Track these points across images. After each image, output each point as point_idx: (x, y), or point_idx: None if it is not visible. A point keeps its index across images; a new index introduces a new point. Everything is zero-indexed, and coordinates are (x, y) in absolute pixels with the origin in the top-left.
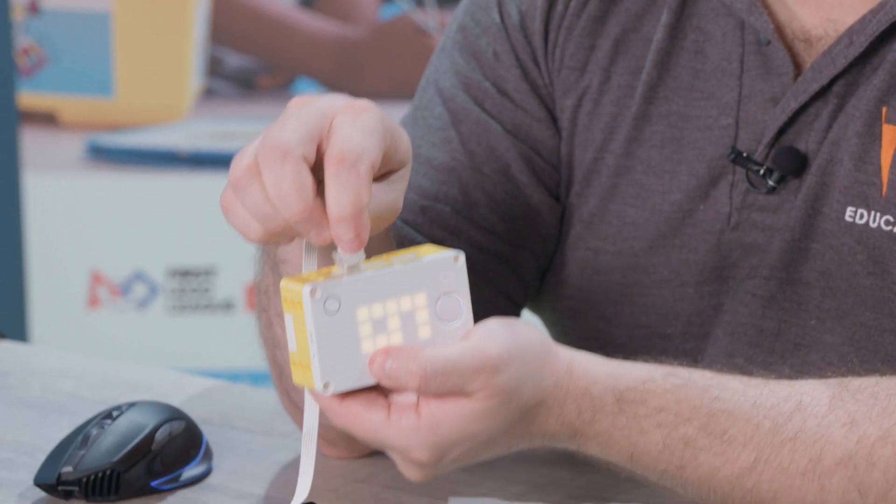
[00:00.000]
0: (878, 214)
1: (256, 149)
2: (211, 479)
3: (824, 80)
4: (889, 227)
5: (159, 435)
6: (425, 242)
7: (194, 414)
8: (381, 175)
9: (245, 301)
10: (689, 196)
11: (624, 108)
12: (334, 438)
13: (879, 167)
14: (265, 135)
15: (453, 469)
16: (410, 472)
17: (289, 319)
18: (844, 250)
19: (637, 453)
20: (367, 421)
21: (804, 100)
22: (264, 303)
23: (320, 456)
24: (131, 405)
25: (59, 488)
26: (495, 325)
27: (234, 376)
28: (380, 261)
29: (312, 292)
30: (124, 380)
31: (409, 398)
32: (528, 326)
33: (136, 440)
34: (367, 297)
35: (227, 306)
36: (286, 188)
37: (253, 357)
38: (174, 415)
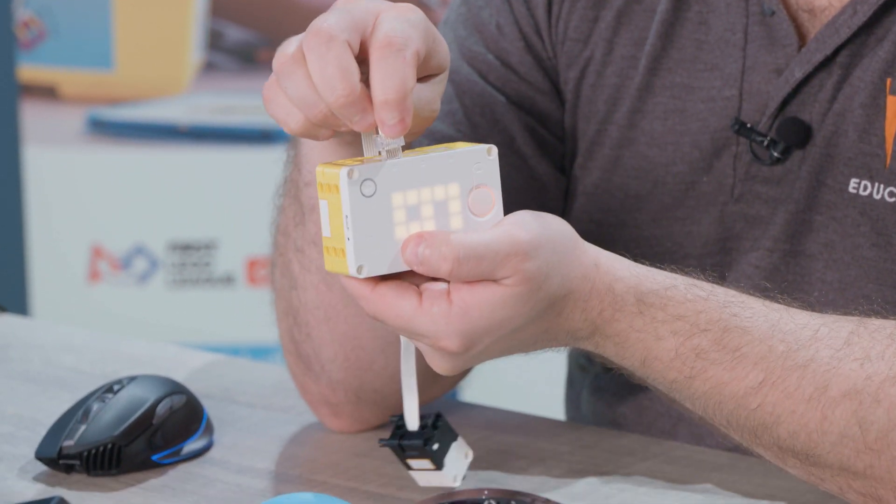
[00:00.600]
0: (882, 186)
1: (301, 38)
2: (212, 454)
3: (828, 51)
4: (893, 199)
5: (160, 409)
6: None
7: (195, 388)
8: (420, 78)
9: (245, 275)
10: (693, 167)
11: (627, 80)
12: (340, 406)
13: (883, 138)
14: (311, 25)
15: (479, 362)
16: (439, 364)
17: (323, 206)
18: (848, 222)
19: (649, 358)
20: (398, 307)
21: (808, 70)
22: (282, 245)
23: (322, 430)
24: (132, 379)
25: (61, 462)
26: (526, 215)
27: (235, 350)
28: (415, 151)
29: (350, 174)
30: (125, 354)
31: (440, 286)
32: (558, 219)
33: (137, 414)
34: (402, 182)
35: (228, 280)
36: (331, 72)
37: (254, 331)
38: (175, 389)
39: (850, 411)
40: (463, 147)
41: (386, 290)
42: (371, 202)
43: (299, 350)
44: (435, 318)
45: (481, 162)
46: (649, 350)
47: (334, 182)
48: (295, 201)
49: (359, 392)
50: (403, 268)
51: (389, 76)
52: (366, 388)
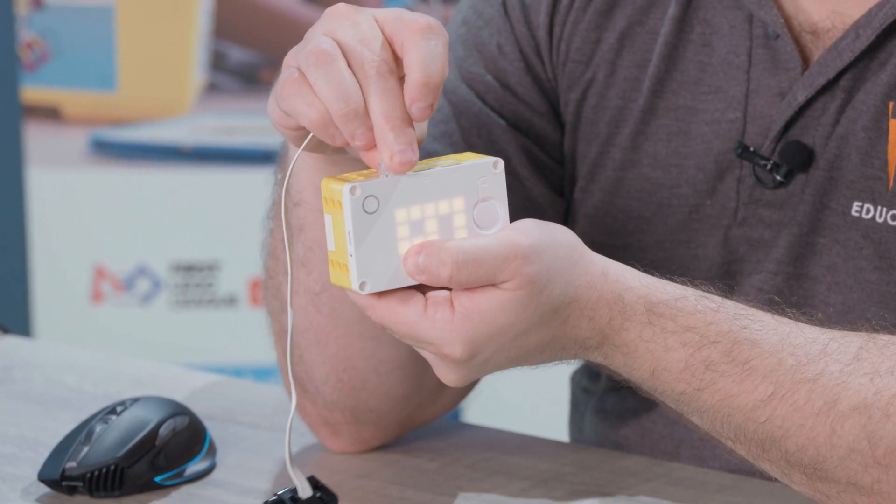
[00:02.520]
0: (885, 209)
1: (324, 36)
2: (215, 475)
3: (830, 74)
4: (895, 223)
5: (163, 430)
6: None
7: (198, 409)
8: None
9: (248, 296)
10: (696, 190)
11: (630, 102)
12: (339, 426)
13: (886, 162)
14: (330, 35)
15: (487, 373)
16: (445, 374)
17: (328, 220)
18: (850, 245)
19: (659, 370)
20: (403, 315)
21: (810, 94)
22: (272, 268)
23: (324, 452)
24: (135, 400)
25: (63, 483)
26: (529, 223)
27: (238, 371)
28: (421, 164)
29: (352, 190)
30: (128, 374)
31: (444, 293)
32: (564, 228)
33: (140, 435)
34: (405, 198)
35: (231, 301)
36: (368, 61)
37: (256, 352)
38: (178, 410)
39: (860, 426)
40: (469, 160)
41: (390, 299)
42: (374, 218)
43: (293, 372)
44: (438, 325)
45: (487, 175)
46: (658, 361)
47: (338, 198)
48: (283, 223)
49: (355, 412)
50: (407, 282)
51: (432, 59)
52: (361, 408)
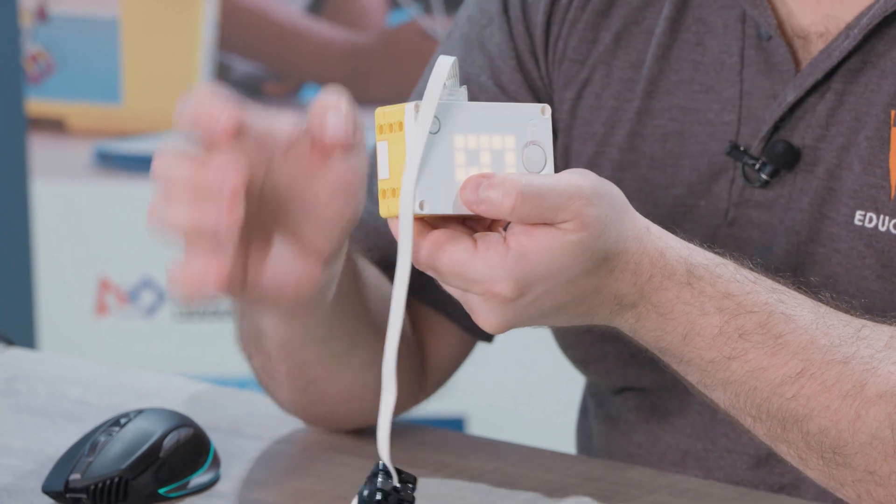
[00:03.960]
0: (888, 218)
1: None
2: (219, 487)
3: (819, 75)
4: None
5: (167, 442)
6: None
7: (202, 421)
8: None
9: None
10: (691, 191)
11: (625, 103)
12: (322, 413)
13: (888, 170)
14: None
15: (528, 320)
16: (487, 316)
17: (382, 147)
18: (853, 254)
19: (691, 334)
20: (453, 251)
21: (800, 94)
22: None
23: (329, 463)
24: (139, 412)
25: (68, 496)
26: (584, 170)
27: (242, 383)
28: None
29: (417, 107)
30: (132, 386)
31: (496, 234)
32: (611, 183)
33: (144, 447)
34: (464, 125)
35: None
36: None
37: None
38: (182, 422)
39: (885, 413)
40: (519, 104)
41: (440, 234)
42: (434, 140)
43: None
44: (490, 262)
45: (535, 119)
46: (693, 324)
47: (398, 119)
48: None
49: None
50: (463, 210)
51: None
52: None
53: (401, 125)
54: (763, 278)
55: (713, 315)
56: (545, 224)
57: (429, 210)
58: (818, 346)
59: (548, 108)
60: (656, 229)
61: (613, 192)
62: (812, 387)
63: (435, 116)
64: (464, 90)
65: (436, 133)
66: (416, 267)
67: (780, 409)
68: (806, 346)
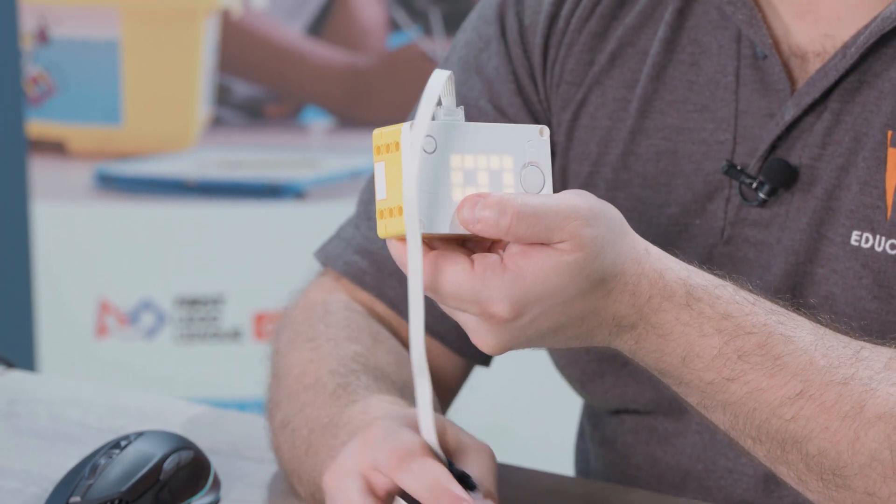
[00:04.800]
0: (884, 238)
1: None
2: None
3: (817, 94)
4: (894, 251)
5: (167, 465)
6: None
7: (202, 443)
8: None
9: (253, 330)
10: (686, 210)
11: (619, 122)
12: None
13: (884, 191)
14: None
15: (526, 340)
16: (485, 338)
17: (379, 167)
18: (850, 275)
19: (690, 355)
20: (449, 273)
21: (797, 113)
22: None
23: None
24: (139, 435)
25: None
26: (582, 191)
27: (242, 405)
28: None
29: (412, 127)
30: (132, 409)
31: (493, 255)
32: (609, 204)
33: (145, 470)
34: (460, 145)
35: (235, 335)
36: None
37: (261, 386)
38: (182, 444)
39: (884, 435)
40: (517, 124)
41: (437, 254)
42: (431, 160)
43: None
44: (487, 282)
45: (533, 140)
46: (692, 346)
47: (394, 139)
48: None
49: None
50: (460, 230)
51: None
52: None
53: (397, 145)
54: (762, 300)
55: (712, 336)
56: (542, 244)
57: (426, 230)
58: (817, 368)
59: (546, 130)
60: (656, 251)
61: (612, 214)
62: (811, 408)
63: (432, 137)
64: (461, 111)
65: (432, 153)
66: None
67: (780, 430)
68: (805, 368)
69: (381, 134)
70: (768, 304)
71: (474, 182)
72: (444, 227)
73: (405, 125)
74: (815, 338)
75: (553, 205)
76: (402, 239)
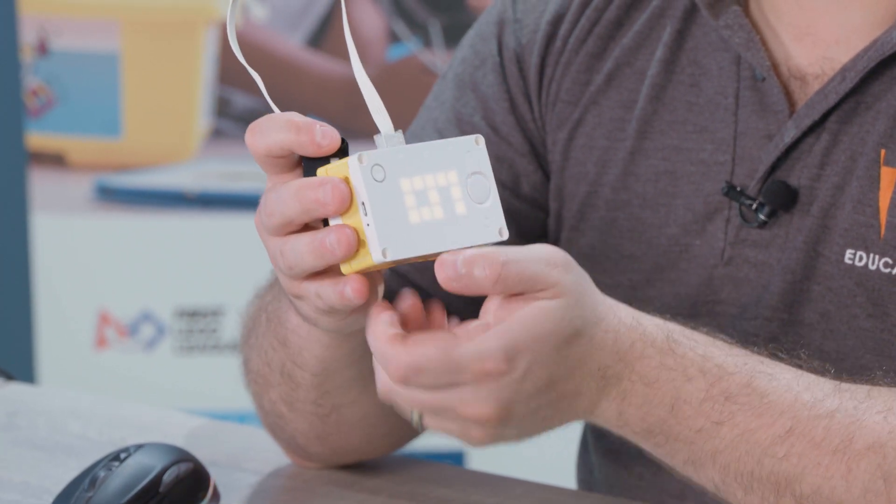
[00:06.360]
0: (877, 257)
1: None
2: None
3: (816, 116)
4: (888, 270)
5: (167, 477)
6: (409, 284)
7: (202, 455)
8: None
9: None
10: (686, 230)
11: (617, 142)
12: (335, 443)
13: (878, 209)
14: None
15: (528, 396)
16: (483, 403)
17: None
18: (844, 293)
19: (678, 403)
20: (435, 345)
21: (796, 135)
22: (258, 368)
23: (330, 498)
24: (139, 447)
25: None
26: (546, 244)
27: (242, 418)
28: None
29: (360, 159)
30: (132, 420)
31: (475, 321)
32: None
33: (144, 482)
34: (407, 168)
35: (235, 347)
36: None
37: None
38: (182, 457)
39: (875, 465)
40: (453, 138)
41: (417, 336)
42: (383, 187)
43: (267, 424)
44: (476, 340)
45: (472, 150)
46: (679, 391)
47: (343, 173)
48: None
49: (336, 458)
50: (425, 251)
51: None
52: (343, 457)
53: (348, 179)
54: (736, 345)
55: (698, 379)
56: (520, 295)
57: (392, 256)
58: (803, 403)
59: (481, 138)
60: (623, 305)
61: (579, 267)
62: (802, 444)
63: (379, 164)
64: (399, 134)
65: (382, 181)
66: (400, 383)
67: (773, 471)
68: (791, 404)
69: (326, 171)
70: (742, 349)
71: (427, 202)
72: (409, 252)
73: (352, 157)
74: (794, 375)
75: (535, 254)
76: (366, 272)
